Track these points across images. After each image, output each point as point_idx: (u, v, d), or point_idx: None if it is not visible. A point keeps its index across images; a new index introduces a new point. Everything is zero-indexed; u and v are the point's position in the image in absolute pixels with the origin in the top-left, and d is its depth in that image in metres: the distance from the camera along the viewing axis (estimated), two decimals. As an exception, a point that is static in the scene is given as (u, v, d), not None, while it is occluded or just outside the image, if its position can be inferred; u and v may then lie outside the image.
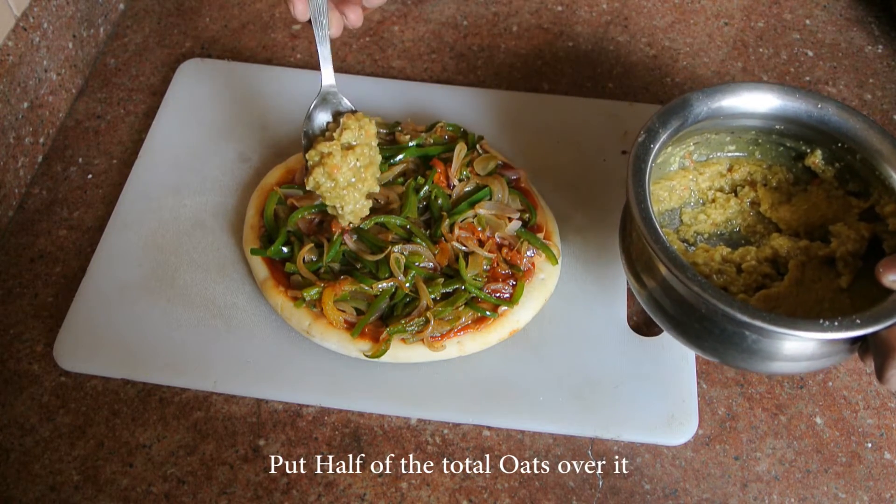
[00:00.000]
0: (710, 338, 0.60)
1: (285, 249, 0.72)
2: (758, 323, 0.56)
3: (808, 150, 0.70)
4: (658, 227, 0.60)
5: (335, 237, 0.70)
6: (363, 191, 0.68)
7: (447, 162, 0.75)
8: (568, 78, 0.92)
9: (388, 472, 0.66)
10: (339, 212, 0.68)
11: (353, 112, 0.70)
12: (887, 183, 0.65)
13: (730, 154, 0.74)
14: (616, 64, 0.93)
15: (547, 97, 0.88)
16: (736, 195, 0.73)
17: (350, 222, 0.69)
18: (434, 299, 0.69)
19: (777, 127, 0.70)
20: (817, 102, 0.67)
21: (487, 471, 0.66)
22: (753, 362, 0.61)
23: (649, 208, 0.61)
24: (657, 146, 0.64)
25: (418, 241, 0.70)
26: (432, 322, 0.67)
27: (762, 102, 0.68)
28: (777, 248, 0.68)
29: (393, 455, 0.66)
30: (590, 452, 0.67)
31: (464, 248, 0.70)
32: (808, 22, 0.98)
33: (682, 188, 0.72)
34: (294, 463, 0.66)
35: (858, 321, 0.56)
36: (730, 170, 0.73)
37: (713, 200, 0.73)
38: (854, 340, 0.58)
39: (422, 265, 0.70)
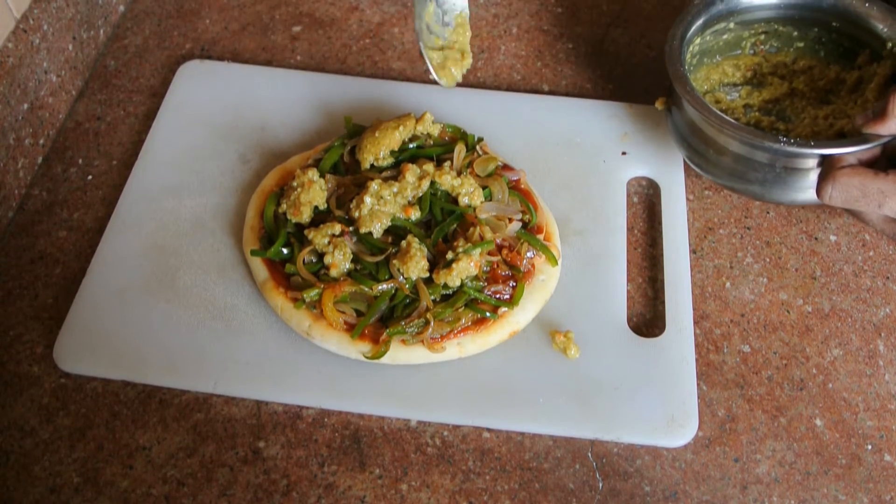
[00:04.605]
0: (692, 139, 0.77)
1: (285, 251, 0.72)
2: (720, 123, 0.71)
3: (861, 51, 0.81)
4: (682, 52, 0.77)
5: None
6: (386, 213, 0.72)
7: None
8: (568, 79, 0.92)
9: (388, 474, 0.66)
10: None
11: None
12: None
13: (798, 46, 0.85)
14: (616, 65, 0.93)
15: (547, 98, 0.88)
16: (789, 81, 0.83)
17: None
18: (434, 301, 0.69)
19: (834, 24, 0.81)
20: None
21: (487, 473, 0.66)
22: (726, 171, 0.75)
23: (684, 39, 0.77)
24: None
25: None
26: (432, 323, 0.67)
27: None
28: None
29: (393, 457, 0.66)
30: (590, 454, 0.67)
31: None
32: (807, 23, 0.98)
33: (745, 68, 0.85)
34: (294, 465, 0.66)
35: (812, 143, 0.70)
36: (793, 62, 0.84)
37: (770, 84, 0.83)
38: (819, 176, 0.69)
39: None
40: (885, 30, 0.78)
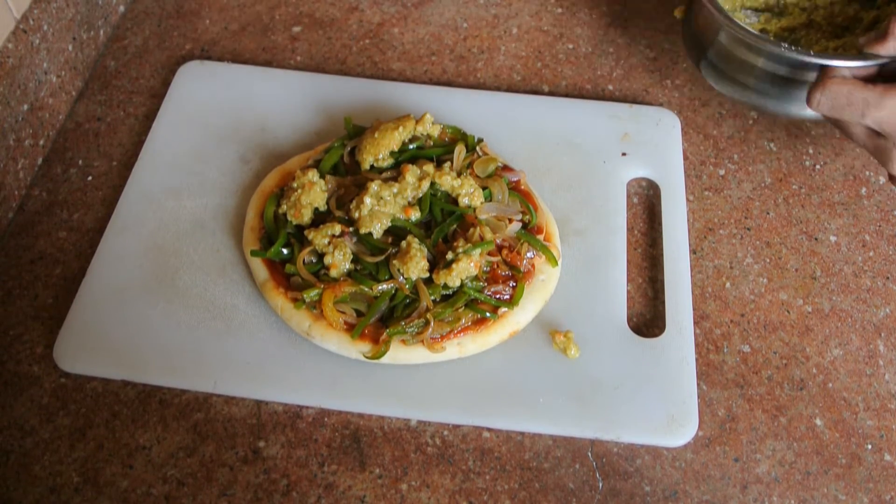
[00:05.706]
0: (705, 44, 0.81)
1: (285, 251, 0.72)
2: (728, 24, 0.75)
3: None
4: None
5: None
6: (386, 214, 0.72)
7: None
8: (568, 80, 0.92)
9: (387, 473, 0.66)
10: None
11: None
12: None
13: None
14: (616, 66, 0.93)
15: (547, 99, 0.88)
16: (809, 13, 0.85)
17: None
18: (434, 301, 0.69)
19: None
20: None
21: (487, 472, 0.66)
22: (728, 77, 0.79)
23: None
24: None
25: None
26: (432, 323, 0.67)
27: None
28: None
29: (393, 457, 0.66)
30: (590, 454, 0.67)
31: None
32: (807, 24, 0.98)
33: None
34: (294, 465, 0.66)
35: (811, 52, 0.73)
36: None
37: (791, 13, 0.85)
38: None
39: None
40: None
